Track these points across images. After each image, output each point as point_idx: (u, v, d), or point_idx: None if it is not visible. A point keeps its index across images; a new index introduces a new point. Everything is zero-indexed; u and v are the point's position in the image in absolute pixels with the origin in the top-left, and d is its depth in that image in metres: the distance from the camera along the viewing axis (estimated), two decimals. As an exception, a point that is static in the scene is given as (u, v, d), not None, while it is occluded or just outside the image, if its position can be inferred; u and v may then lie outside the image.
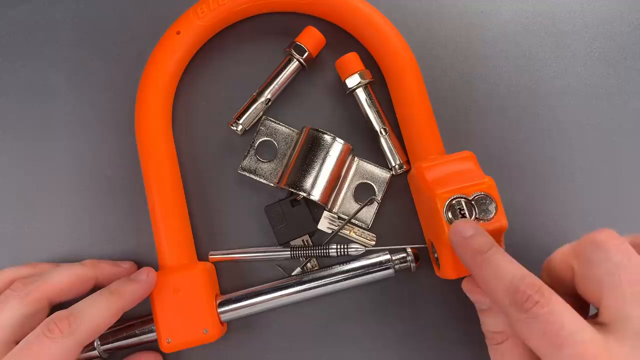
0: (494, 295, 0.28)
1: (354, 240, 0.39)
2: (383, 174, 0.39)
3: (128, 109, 0.40)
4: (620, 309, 0.26)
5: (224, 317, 0.37)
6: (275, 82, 0.40)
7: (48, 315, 0.32)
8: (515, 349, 0.29)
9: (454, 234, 0.31)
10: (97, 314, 0.32)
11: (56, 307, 0.34)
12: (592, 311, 0.31)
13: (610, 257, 0.27)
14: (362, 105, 0.39)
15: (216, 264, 0.40)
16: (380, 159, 0.40)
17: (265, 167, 0.39)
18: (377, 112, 0.39)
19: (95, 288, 0.36)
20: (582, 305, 0.30)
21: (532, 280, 0.27)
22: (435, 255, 0.36)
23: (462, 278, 0.34)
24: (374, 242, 0.39)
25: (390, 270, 0.37)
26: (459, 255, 0.31)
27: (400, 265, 0.37)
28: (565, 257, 0.30)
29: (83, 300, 0.33)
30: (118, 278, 0.36)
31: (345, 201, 0.39)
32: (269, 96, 0.40)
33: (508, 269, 0.28)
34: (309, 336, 0.39)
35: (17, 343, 0.32)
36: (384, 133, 0.39)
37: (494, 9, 0.42)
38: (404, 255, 0.37)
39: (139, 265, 0.39)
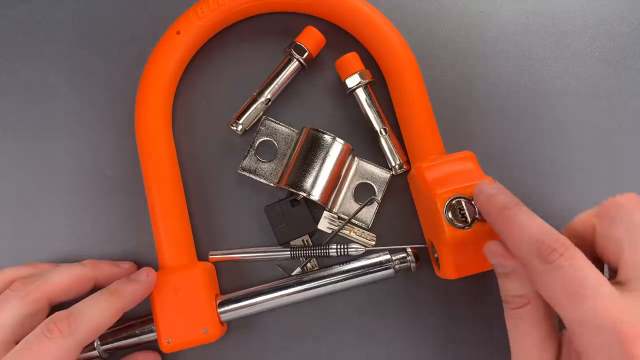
0: (519, 248, 0.28)
1: (354, 240, 0.39)
2: (383, 174, 0.39)
3: (128, 109, 0.40)
4: (638, 268, 0.27)
5: (224, 317, 0.37)
6: (275, 82, 0.40)
7: (48, 316, 0.32)
8: (535, 313, 0.29)
9: (479, 192, 0.32)
10: (96, 314, 0.32)
11: (56, 307, 0.34)
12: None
13: (631, 217, 0.28)
14: (362, 105, 0.39)
15: (216, 264, 0.40)
16: (380, 159, 0.40)
17: (265, 167, 0.39)
18: (377, 112, 0.39)
19: (95, 288, 0.36)
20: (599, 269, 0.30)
21: (556, 236, 0.27)
22: (435, 255, 0.36)
23: (463, 278, 0.34)
24: (374, 242, 0.39)
25: (390, 270, 0.37)
26: (484, 213, 0.31)
27: (400, 265, 0.37)
28: (588, 217, 0.31)
29: (83, 300, 0.33)
30: (118, 278, 0.36)
31: (345, 201, 0.39)
32: (269, 96, 0.40)
33: (533, 224, 0.28)
34: (309, 336, 0.39)
35: (17, 343, 0.32)
36: (384, 133, 0.39)
37: (494, 9, 0.42)
38: (404, 255, 0.37)
39: (139, 265, 0.39)
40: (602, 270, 0.31)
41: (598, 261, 0.30)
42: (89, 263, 0.37)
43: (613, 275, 0.29)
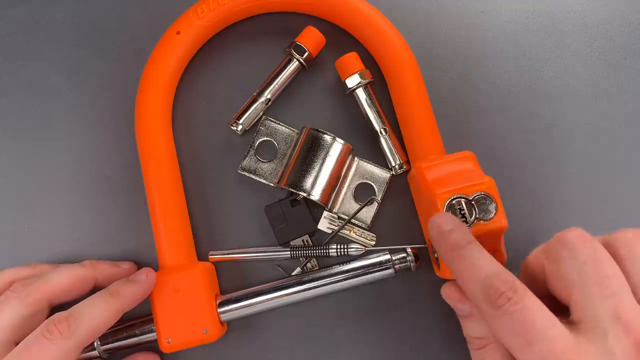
0: (469, 290, 0.28)
1: (354, 240, 0.39)
2: (383, 174, 0.39)
3: (128, 109, 0.40)
4: (589, 307, 0.26)
5: (224, 317, 0.37)
6: (275, 82, 0.40)
7: (48, 316, 0.32)
8: (495, 354, 0.29)
9: (432, 227, 0.31)
10: (96, 315, 0.32)
11: (56, 308, 0.34)
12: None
13: (576, 255, 0.27)
14: (362, 105, 0.39)
15: (216, 264, 0.40)
16: (380, 159, 0.40)
17: (265, 167, 0.39)
18: (377, 112, 0.39)
19: (95, 289, 0.36)
20: (561, 307, 0.30)
21: (505, 277, 0.27)
22: (435, 255, 0.36)
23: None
24: (374, 242, 0.39)
25: (390, 270, 0.37)
26: (437, 248, 0.31)
27: (400, 265, 0.37)
28: (537, 257, 0.30)
29: (82, 301, 0.33)
30: (118, 279, 0.36)
31: (345, 201, 0.39)
32: (269, 96, 0.40)
33: (483, 265, 0.28)
34: (309, 336, 0.39)
35: (16, 344, 0.32)
36: (384, 133, 0.39)
37: (494, 9, 0.42)
38: (404, 255, 0.37)
39: (139, 265, 0.39)
40: (566, 309, 0.30)
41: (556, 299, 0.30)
42: (88, 264, 0.37)
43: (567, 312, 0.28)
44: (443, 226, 0.30)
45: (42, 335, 0.30)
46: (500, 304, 0.26)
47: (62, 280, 0.35)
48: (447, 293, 0.32)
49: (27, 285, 0.34)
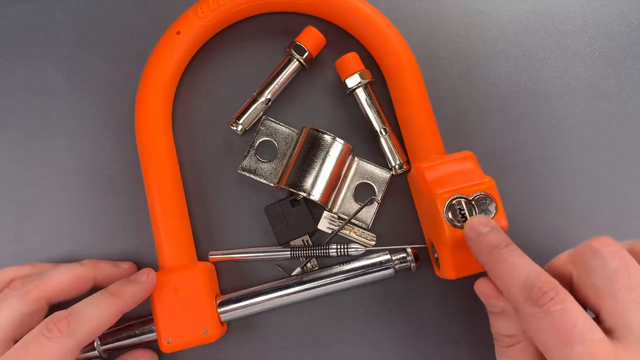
0: (509, 290, 0.28)
1: (354, 240, 0.39)
2: (383, 174, 0.39)
3: (128, 109, 0.40)
4: (620, 316, 0.27)
5: (224, 317, 0.37)
6: (275, 82, 0.40)
7: (47, 315, 0.32)
8: (525, 353, 0.29)
9: (470, 229, 0.31)
10: (96, 314, 0.32)
11: (55, 307, 0.34)
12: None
13: (607, 264, 0.27)
14: (362, 105, 0.39)
15: (216, 264, 0.40)
16: (380, 159, 0.40)
17: (265, 167, 0.39)
18: (377, 112, 0.39)
19: (95, 288, 0.36)
20: None
21: (547, 278, 0.27)
22: (435, 255, 0.36)
23: (463, 278, 0.34)
24: (374, 242, 0.39)
25: (390, 270, 0.37)
26: (474, 251, 0.31)
27: (400, 265, 0.37)
28: (563, 265, 0.30)
29: (83, 300, 0.33)
30: (117, 278, 0.36)
31: (345, 201, 0.39)
32: (269, 96, 0.40)
33: (524, 266, 0.28)
34: (309, 336, 0.39)
35: (16, 342, 0.32)
36: (384, 133, 0.39)
37: (494, 9, 0.42)
38: (404, 255, 0.37)
39: (139, 265, 0.39)
40: None
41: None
42: (88, 263, 0.37)
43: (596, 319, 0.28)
44: (480, 228, 0.31)
45: (42, 334, 0.30)
46: (542, 303, 0.26)
47: (62, 279, 0.35)
48: (483, 289, 0.31)
49: (27, 283, 0.34)
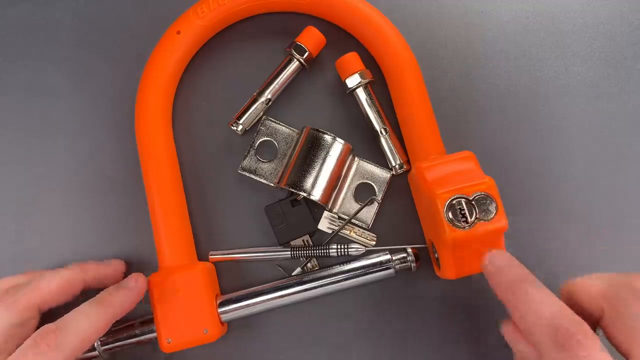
0: (531, 329, 0.27)
1: (354, 240, 0.39)
2: (383, 174, 0.39)
3: (128, 109, 0.40)
4: None
5: (224, 317, 0.37)
6: (275, 82, 0.40)
7: (40, 322, 0.31)
8: None
9: (489, 263, 0.30)
10: (85, 326, 0.32)
11: (48, 314, 0.34)
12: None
13: None
14: (362, 105, 0.39)
15: (216, 264, 0.40)
16: (380, 159, 0.40)
17: (265, 167, 0.39)
18: (377, 112, 0.39)
19: (85, 290, 0.36)
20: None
21: (575, 320, 0.26)
22: (436, 255, 0.36)
23: (463, 278, 0.34)
24: (374, 242, 0.39)
25: (391, 270, 0.37)
26: (493, 286, 0.30)
27: (401, 265, 0.37)
28: (594, 299, 0.28)
29: (72, 311, 0.32)
30: (106, 277, 0.36)
31: (345, 201, 0.39)
32: (269, 96, 0.40)
33: (550, 303, 0.27)
34: (309, 336, 0.39)
35: (9, 353, 0.31)
36: (384, 133, 0.39)
37: (494, 9, 0.42)
38: (404, 255, 0.37)
39: (139, 266, 0.39)
40: None
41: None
42: (75, 266, 0.36)
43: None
44: (500, 261, 0.29)
45: (30, 350, 0.30)
46: (569, 347, 0.25)
47: (51, 285, 0.34)
48: (511, 335, 0.30)
49: (14, 293, 0.33)
